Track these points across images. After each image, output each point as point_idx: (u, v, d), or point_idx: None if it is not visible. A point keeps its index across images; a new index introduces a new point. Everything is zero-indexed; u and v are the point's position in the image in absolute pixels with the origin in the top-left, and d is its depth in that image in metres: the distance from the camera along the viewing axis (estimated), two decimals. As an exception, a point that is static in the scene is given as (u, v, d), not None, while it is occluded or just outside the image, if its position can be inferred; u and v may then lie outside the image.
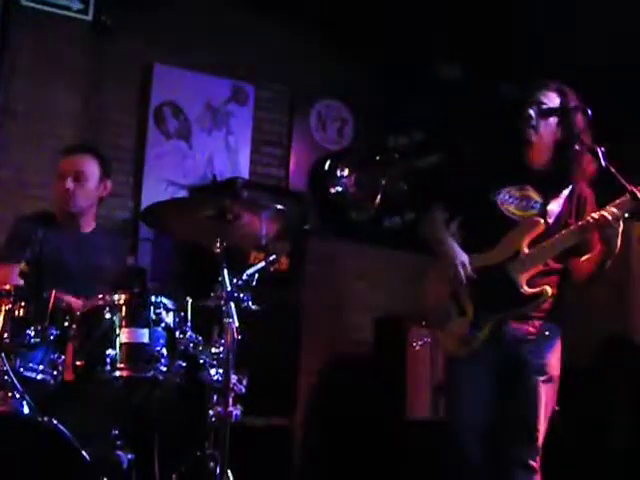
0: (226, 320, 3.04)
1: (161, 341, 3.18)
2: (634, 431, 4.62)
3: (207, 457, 3.13)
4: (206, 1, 5.87)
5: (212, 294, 3.12)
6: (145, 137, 5.64)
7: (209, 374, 3.19)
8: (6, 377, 2.95)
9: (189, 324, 3.28)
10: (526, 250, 3.45)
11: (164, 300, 3.26)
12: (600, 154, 3.37)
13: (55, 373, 3.10)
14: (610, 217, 3.31)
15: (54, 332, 3.09)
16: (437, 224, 3.68)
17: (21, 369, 3.02)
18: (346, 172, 6.13)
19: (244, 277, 3.20)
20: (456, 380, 3.63)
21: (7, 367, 2.95)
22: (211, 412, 3.09)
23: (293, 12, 5.83)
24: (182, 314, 3.29)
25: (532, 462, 3.42)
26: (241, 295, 3.12)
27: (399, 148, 6.34)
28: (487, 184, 3.59)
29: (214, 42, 5.81)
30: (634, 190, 3.30)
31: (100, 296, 3.24)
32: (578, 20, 5.26)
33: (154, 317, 3.20)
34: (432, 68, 6.19)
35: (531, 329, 3.48)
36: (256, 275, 3.24)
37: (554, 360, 3.51)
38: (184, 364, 3.22)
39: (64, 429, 2.86)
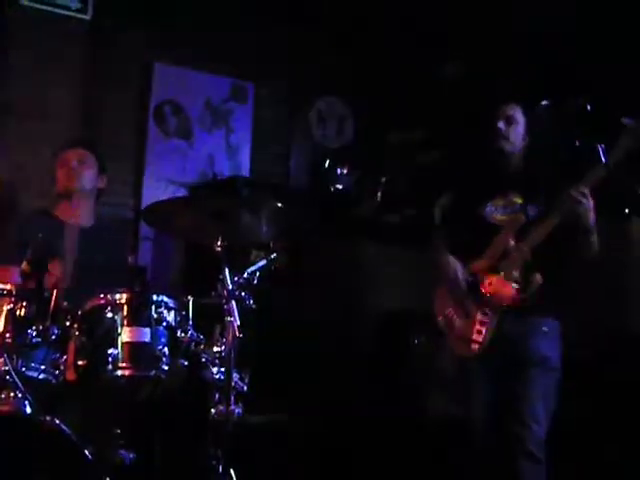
0: (227, 318, 3.05)
1: (163, 340, 3.19)
2: (633, 425, 4.62)
3: (209, 455, 3.13)
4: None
5: (213, 293, 3.13)
6: (145, 136, 5.64)
7: (211, 372, 3.20)
8: (8, 377, 2.96)
9: (190, 323, 3.28)
10: (513, 244, 3.65)
11: (165, 299, 3.26)
12: (600, 151, 3.42)
13: (57, 372, 3.10)
14: (576, 194, 3.49)
15: (56, 331, 3.09)
16: (441, 249, 3.90)
17: (23, 369, 3.02)
18: (346, 169, 6.13)
19: (245, 275, 3.21)
20: (465, 379, 3.82)
21: (9, 367, 2.95)
22: (213, 410, 3.10)
23: (292, 9, 5.83)
24: (183, 313, 3.29)
25: (537, 453, 3.48)
26: (242, 293, 3.12)
27: (399, 145, 6.33)
28: (474, 200, 3.84)
29: (213, 40, 5.81)
30: None
31: (102, 295, 3.24)
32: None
33: (156, 316, 3.20)
34: (432, 65, 6.18)
35: (528, 326, 3.62)
36: (257, 273, 3.25)
37: (552, 353, 3.63)
38: (186, 363, 3.22)
39: (66, 428, 2.86)
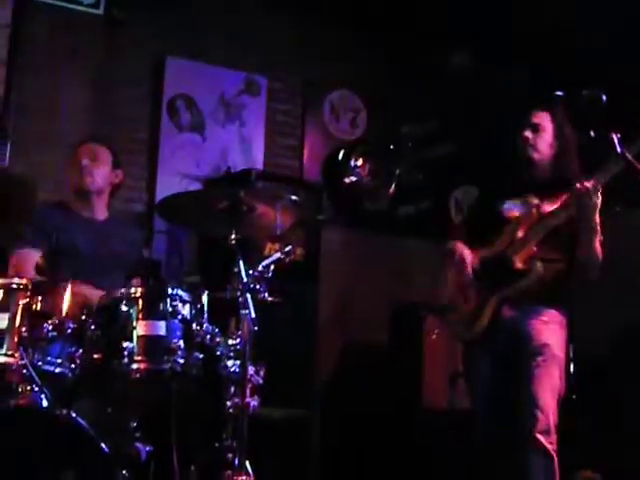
0: (243, 311, 3.05)
1: (178, 333, 3.18)
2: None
3: (225, 449, 3.13)
4: (217, -7, 5.88)
5: (228, 286, 3.13)
6: (159, 130, 5.65)
7: (226, 366, 3.20)
8: (25, 371, 2.97)
9: (205, 316, 3.28)
10: (521, 234, 3.69)
11: (180, 292, 3.26)
12: (616, 141, 3.41)
13: (73, 366, 3.11)
14: (585, 187, 3.51)
15: (71, 325, 3.10)
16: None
17: (39, 362, 3.03)
18: (360, 162, 6.12)
19: (260, 268, 3.20)
20: (469, 367, 3.90)
21: (26, 361, 2.96)
22: (229, 404, 3.10)
23: (305, 3, 5.82)
24: (198, 306, 3.29)
25: (545, 442, 3.47)
26: (257, 286, 3.12)
27: (412, 137, 6.32)
28: (495, 200, 3.86)
29: (226, 34, 5.81)
30: None
31: (117, 289, 3.25)
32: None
33: (171, 309, 3.20)
34: (444, 57, 6.17)
35: (528, 314, 3.66)
36: (272, 266, 3.24)
37: (553, 341, 3.64)
38: (201, 356, 3.22)
39: (82, 422, 2.87)
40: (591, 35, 5.32)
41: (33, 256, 3.40)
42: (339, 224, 5.76)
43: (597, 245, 3.60)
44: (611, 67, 4.82)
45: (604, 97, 3.51)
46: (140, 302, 3.19)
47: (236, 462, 2.99)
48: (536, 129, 3.77)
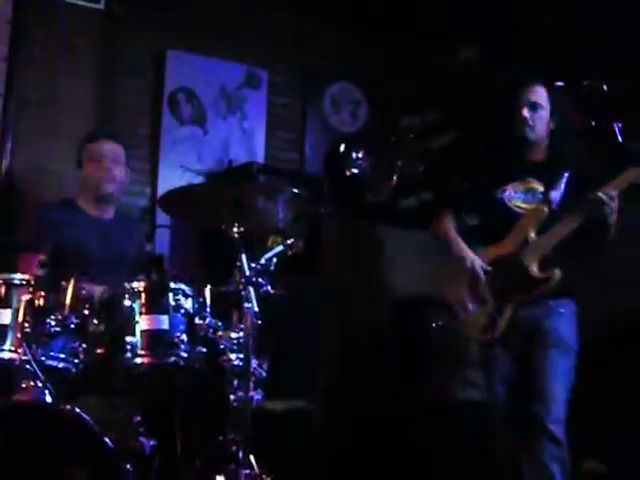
0: (245, 305, 3.05)
1: (181, 327, 3.19)
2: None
3: (229, 442, 3.14)
4: (218, -14, 5.86)
5: (231, 279, 3.13)
6: (160, 124, 5.64)
7: (229, 359, 3.20)
8: (28, 366, 2.98)
9: (208, 310, 3.29)
10: (533, 237, 3.63)
11: (183, 286, 3.26)
12: (617, 130, 3.41)
13: (76, 361, 3.11)
14: (605, 197, 3.46)
15: (74, 320, 3.10)
16: (447, 225, 3.91)
17: (42, 358, 3.03)
18: (361, 154, 6.11)
19: (262, 261, 3.20)
20: (487, 363, 3.84)
21: (29, 356, 2.97)
22: (232, 397, 3.11)
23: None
24: (201, 300, 3.30)
25: (557, 432, 3.50)
26: (260, 280, 3.12)
27: (413, 129, 6.31)
28: (491, 183, 3.80)
29: (227, 27, 5.80)
30: None
31: (120, 284, 3.25)
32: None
33: (173, 303, 3.20)
34: (447, 49, 6.15)
35: (545, 308, 3.65)
36: (274, 259, 3.24)
37: (570, 333, 3.66)
38: (204, 350, 3.23)
39: (86, 416, 2.88)
40: (591, 35, 5.30)
41: (37, 260, 3.40)
42: (341, 216, 5.75)
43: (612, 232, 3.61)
44: (611, 67, 4.78)
45: (605, 87, 3.50)
46: (143, 296, 3.19)
47: (240, 455, 3.00)
48: (534, 107, 3.72)
